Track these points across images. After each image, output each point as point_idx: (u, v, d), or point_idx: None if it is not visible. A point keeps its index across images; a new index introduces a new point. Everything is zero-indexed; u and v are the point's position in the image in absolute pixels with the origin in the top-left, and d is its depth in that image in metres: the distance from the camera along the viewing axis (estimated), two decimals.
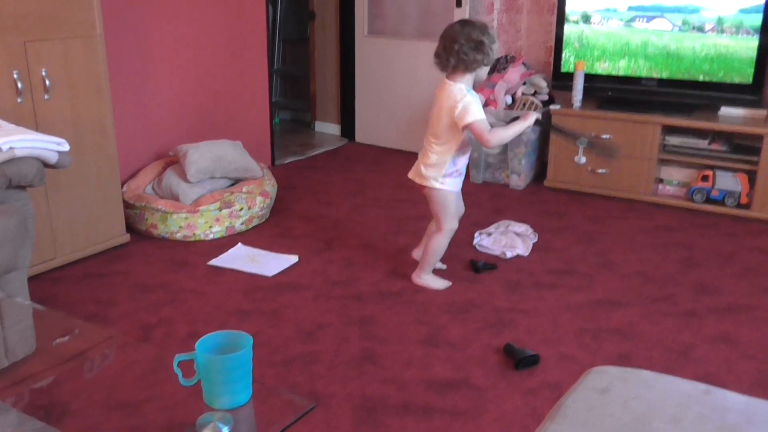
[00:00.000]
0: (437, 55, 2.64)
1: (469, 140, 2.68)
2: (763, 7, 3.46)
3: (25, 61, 2.67)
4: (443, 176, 2.70)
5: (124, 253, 3.14)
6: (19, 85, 2.65)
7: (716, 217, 3.59)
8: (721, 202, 3.60)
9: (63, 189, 2.88)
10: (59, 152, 2.27)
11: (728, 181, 3.57)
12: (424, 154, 2.74)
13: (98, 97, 2.95)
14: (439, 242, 2.81)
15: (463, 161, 2.73)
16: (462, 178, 2.78)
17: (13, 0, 2.59)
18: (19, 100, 2.66)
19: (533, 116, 2.72)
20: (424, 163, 2.73)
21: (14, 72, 2.63)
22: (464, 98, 2.56)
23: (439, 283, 2.85)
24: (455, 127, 2.60)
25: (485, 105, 4.05)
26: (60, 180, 2.85)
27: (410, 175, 2.83)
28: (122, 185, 3.44)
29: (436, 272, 2.91)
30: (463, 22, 2.62)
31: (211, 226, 3.30)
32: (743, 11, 3.51)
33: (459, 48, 2.55)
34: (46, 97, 2.75)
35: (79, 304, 2.68)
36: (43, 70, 2.72)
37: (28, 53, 2.67)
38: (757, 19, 3.48)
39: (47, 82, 2.74)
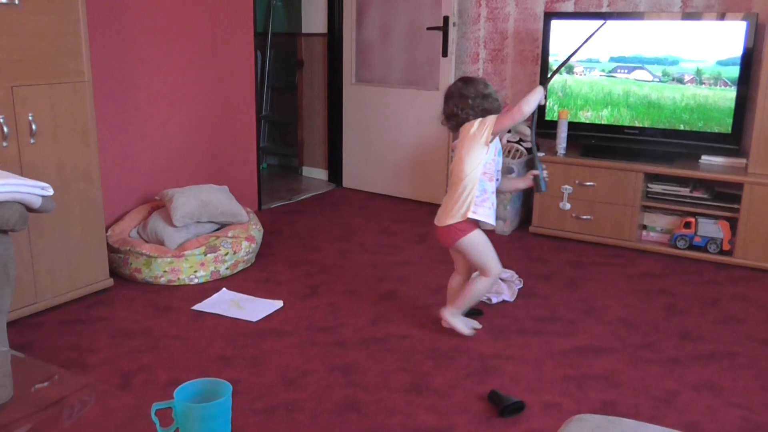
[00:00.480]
0: (451, 116, 2.69)
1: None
2: (740, 59, 3.54)
3: (12, 105, 2.68)
4: (475, 206, 2.64)
5: (106, 298, 3.12)
6: (5, 129, 2.66)
7: (699, 263, 3.62)
8: (703, 248, 3.63)
9: (46, 233, 2.87)
10: (43, 197, 2.27)
11: (710, 228, 3.60)
12: (452, 198, 2.68)
13: (84, 142, 2.97)
14: (482, 285, 2.74)
15: (491, 186, 2.68)
16: (494, 209, 2.71)
17: (2, 45, 2.62)
18: (4, 144, 2.67)
19: (540, 89, 2.74)
20: (451, 206, 2.68)
21: (0, 116, 2.64)
22: (475, 120, 2.65)
23: (467, 330, 2.79)
24: (477, 151, 2.61)
25: None
26: (43, 224, 2.84)
27: (438, 223, 2.77)
28: (107, 229, 3.43)
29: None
30: (466, 80, 2.72)
31: (195, 271, 3.29)
32: (721, 63, 3.59)
33: (472, 102, 2.64)
34: (32, 141, 2.76)
35: (59, 350, 2.64)
36: (30, 114, 2.74)
37: (15, 98, 2.69)
38: (735, 71, 3.56)
39: (34, 127, 2.75)
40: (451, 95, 2.70)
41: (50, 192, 2.27)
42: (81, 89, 2.92)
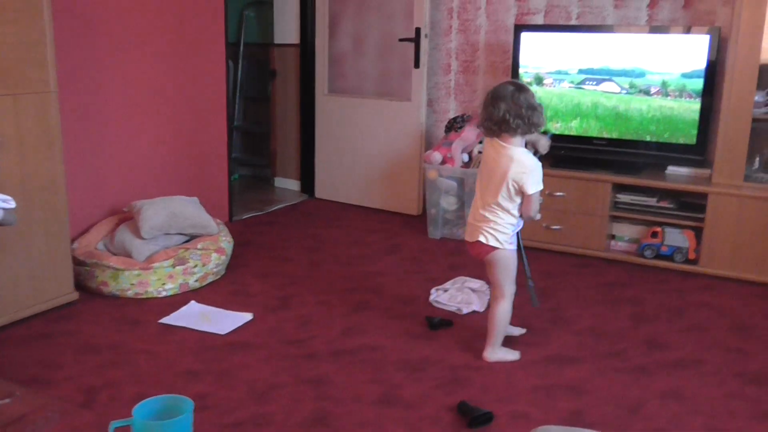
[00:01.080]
0: (502, 122, 2.48)
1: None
2: (704, 72, 3.60)
3: None
4: (511, 237, 2.62)
5: (71, 312, 3.07)
6: None
7: (666, 272, 3.66)
8: (670, 257, 3.68)
9: (8, 246, 2.82)
10: (5, 209, 2.23)
11: (677, 238, 3.66)
12: (490, 218, 2.58)
13: (50, 154, 2.93)
14: (503, 310, 2.67)
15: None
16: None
17: None
18: None
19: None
20: (494, 228, 2.58)
21: None
22: (533, 165, 2.53)
23: (513, 356, 2.72)
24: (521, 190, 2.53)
25: (442, 163, 4.11)
26: (6, 237, 2.79)
27: (470, 238, 2.67)
28: (73, 241, 3.39)
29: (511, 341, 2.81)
30: (518, 86, 2.53)
31: (164, 284, 3.26)
32: (685, 75, 3.65)
33: (525, 113, 2.46)
34: None
35: (22, 365, 2.59)
36: None
37: None
38: (699, 84, 3.62)
39: None
40: (502, 98, 2.47)
41: (12, 205, 2.23)
42: (46, 100, 2.89)
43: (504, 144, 2.53)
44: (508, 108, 2.47)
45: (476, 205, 2.64)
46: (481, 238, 2.60)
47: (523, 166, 2.50)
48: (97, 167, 3.62)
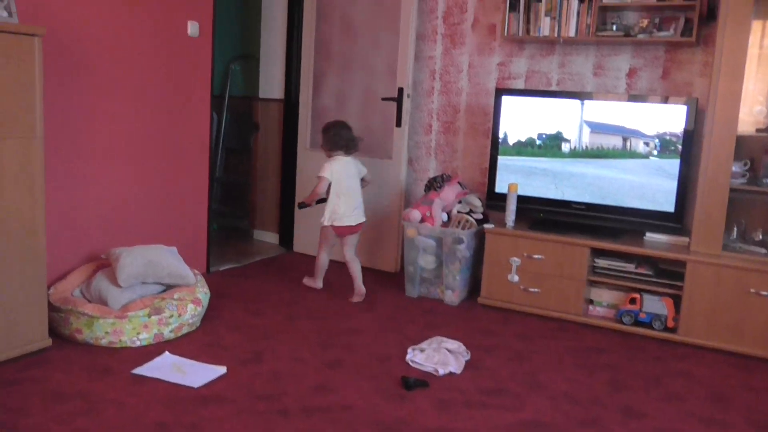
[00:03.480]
0: (346, 146, 4.12)
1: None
2: (681, 141, 3.70)
3: None
4: None
5: (43, 359, 3.00)
6: None
7: (644, 339, 3.68)
8: (648, 325, 3.70)
9: None
10: None
11: (655, 305, 3.68)
12: (359, 204, 4.15)
13: (31, 198, 2.91)
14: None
15: None
16: None
17: None
18: None
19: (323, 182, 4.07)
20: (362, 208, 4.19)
21: None
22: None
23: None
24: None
25: (421, 221, 4.14)
26: None
27: (357, 221, 4.15)
28: (50, 287, 3.33)
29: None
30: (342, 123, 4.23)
31: (138, 333, 3.21)
32: (663, 144, 3.75)
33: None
34: None
35: None
36: None
37: None
38: (676, 152, 3.71)
39: None
40: (348, 128, 4.20)
41: None
42: (31, 144, 2.88)
43: (350, 158, 4.14)
44: (350, 136, 4.14)
45: (350, 200, 4.09)
46: (363, 218, 4.18)
47: (363, 166, 4.23)
48: (77, 212, 3.59)
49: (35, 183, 2.92)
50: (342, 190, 4.07)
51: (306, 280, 4.36)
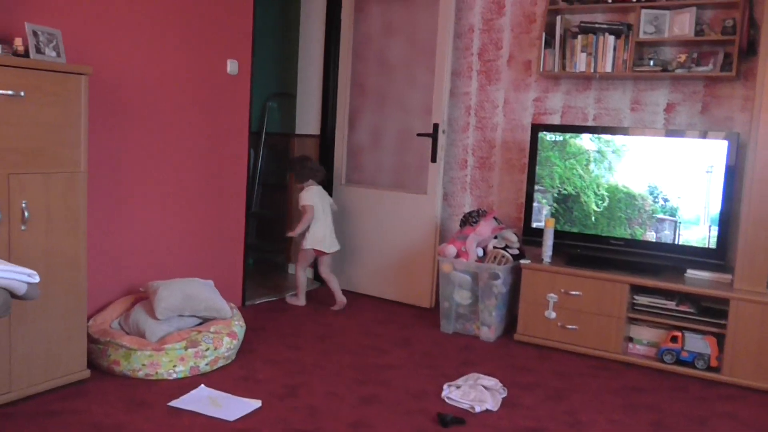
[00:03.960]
0: (315, 175, 4.67)
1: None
2: (723, 177, 3.64)
3: (7, 192, 2.70)
4: None
5: (82, 390, 3.03)
6: None
7: (687, 379, 3.59)
8: (691, 364, 3.61)
9: (26, 320, 2.82)
10: (29, 283, 2.24)
11: (697, 344, 3.59)
12: (331, 227, 4.67)
13: (74, 231, 2.97)
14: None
15: None
16: None
17: (3, 134, 2.65)
18: None
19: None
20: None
21: None
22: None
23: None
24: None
25: (456, 256, 4.12)
26: (24, 311, 2.79)
27: (332, 249, 4.68)
28: (89, 319, 3.38)
29: None
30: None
31: (175, 365, 3.22)
32: (704, 179, 3.69)
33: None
34: (23, 227, 2.76)
35: None
36: (24, 201, 2.75)
37: (11, 185, 2.71)
38: (718, 188, 3.66)
39: (26, 214, 2.76)
40: (312, 160, 4.76)
41: (37, 279, 2.24)
42: (76, 179, 2.95)
43: (320, 186, 4.69)
44: (316, 167, 4.68)
45: (326, 224, 4.61)
46: (338, 246, 4.69)
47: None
48: (117, 246, 3.65)
49: (79, 217, 2.98)
50: (319, 215, 4.58)
51: (289, 299, 4.75)
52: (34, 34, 2.80)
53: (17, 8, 3.05)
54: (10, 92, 2.66)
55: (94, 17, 3.39)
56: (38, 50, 2.81)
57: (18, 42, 2.79)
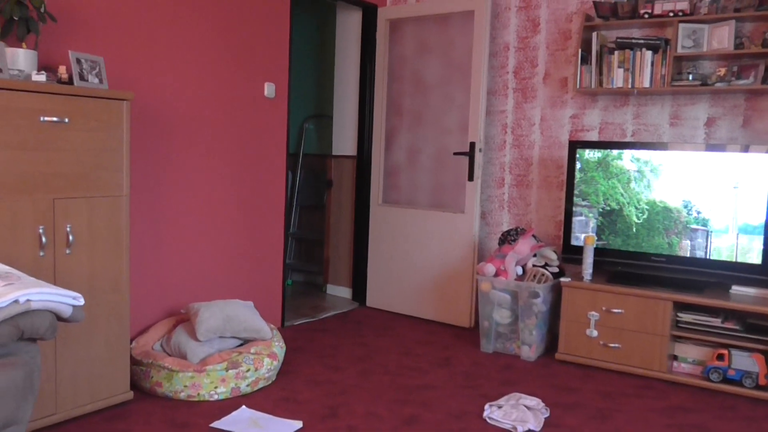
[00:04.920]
0: None
1: None
2: (767, 191, 3.57)
3: (52, 217, 2.76)
4: None
5: (125, 412, 3.07)
6: (44, 239, 2.73)
7: (735, 398, 3.49)
8: (738, 382, 3.52)
9: (71, 343, 2.87)
10: (74, 306, 2.29)
11: (745, 361, 3.50)
12: None
13: (117, 254, 3.02)
14: None
15: None
16: None
17: (45, 161, 2.72)
18: (41, 253, 2.73)
19: None
20: None
21: (40, 227, 2.72)
22: None
23: None
24: None
25: (495, 275, 4.09)
26: (69, 334, 2.85)
27: None
28: (131, 341, 3.43)
29: None
30: None
31: (216, 387, 3.25)
32: (747, 194, 3.62)
33: None
34: (67, 251, 2.82)
35: None
36: (68, 225, 2.82)
37: (56, 209, 2.77)
38: (762, 203, 3.58)
39: (70, 238, 2.82)
40: None
41: (81, 302, 2.29)
42: (118, 203, 3.01)
43: None
44: None
45: None
46: None
47: None
48: (158, 268, 3.70)
49: (121, 240, 3.04)
50: None
51: None
52: (78, 61, 2.87)
53: (62, 37, 3.14)
54: (55, 119, 2.73)
55: (135, 44, 3.47)
56: (82, 77, 2.89)
57: (62, 70, 2.87)
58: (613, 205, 4.00)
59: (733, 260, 3.68)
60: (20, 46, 2.86)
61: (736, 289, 3.76)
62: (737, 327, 3.58)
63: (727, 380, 3.55)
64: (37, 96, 2.68)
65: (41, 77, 2.74)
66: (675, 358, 3.76)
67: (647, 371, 3.75)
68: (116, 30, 3.38)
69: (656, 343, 3.71)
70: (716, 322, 3.62)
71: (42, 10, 2.85)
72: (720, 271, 3.71)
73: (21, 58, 2.77)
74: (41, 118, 2.69)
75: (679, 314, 3.72)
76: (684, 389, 3.62)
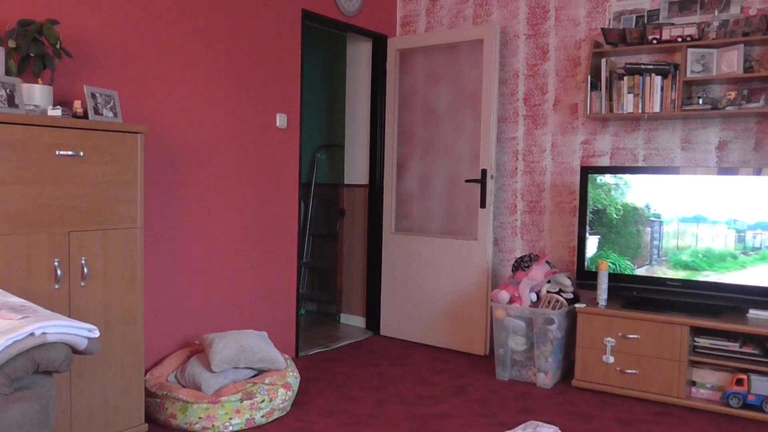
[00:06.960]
0: None
1: None
2: None
3: (67, 249, 2.79)
4: None
5: None
6: (59, 272, 2.75)
7: (756, 424, 3.44)
8: (759, 407, 3.46)
9: (86, 375, 2.87)
10: (89, 338, 2.29)
11: (765, 386, 3.45)
12: None
13: (131, 286, 3.04)
14: None
15: None
16: None
17: (61, 195, 2.75)
18: (56, 286, 2.74)
19: None
20: None
21: (55, 260, 2.74)
22: None
23: None
24: None
25: (510, 302, 4.07)
26: (84, 366, 2.85)
27: None
28: (146, 372, 3.42)
29: None
30: None
31: (231, 418, 3.23)
32: (761, 217, 3.59)
33: None
34: (82, 284, 2.84)
35: None
36: (83, 258, 2.84)
37: (71, 242, 2.80)
38: None
39: (85, 270, 2.84)
40: None
41: (97, 334, 2.29)
42: (133, 235, 3.03)
43: None
44: None
45: None
46: None
47: None
48: (172, 299, 3.72)
49: (136, 272, 3.05)
50: None
51: None
52: (93, 96, 2.92)
53: (77, 72, 3.20)
54: (70, 153, 2.77)
55: (149, 77, 3.53)
56: (96, 111, 2.93)
57: (77, 104, 2.91)
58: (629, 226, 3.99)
59: (751, 284, 3.64)
60: (36, 82, 2.91)
61: (754, 313, 3.72)
62: (756, 351, 3.54)
63: (747, 406, 3.49)
64: (53, 131, 2.72)
65: (57, 112, 2.78)
66: (693, 383, 3.71)
67: (665, 397, 3.70)
68: (130, 64, 3.44)
69: (674, 368, 3.67)
70: (734, 346, 3.58)
71: (58, 46, 2.90)
72: (736, 295, 3.68)
73: (37, 94, 2.82)
74: (57, 152, 2.73)
75: (697, 339, 3.68)
76: (703, 415, 3.56)
